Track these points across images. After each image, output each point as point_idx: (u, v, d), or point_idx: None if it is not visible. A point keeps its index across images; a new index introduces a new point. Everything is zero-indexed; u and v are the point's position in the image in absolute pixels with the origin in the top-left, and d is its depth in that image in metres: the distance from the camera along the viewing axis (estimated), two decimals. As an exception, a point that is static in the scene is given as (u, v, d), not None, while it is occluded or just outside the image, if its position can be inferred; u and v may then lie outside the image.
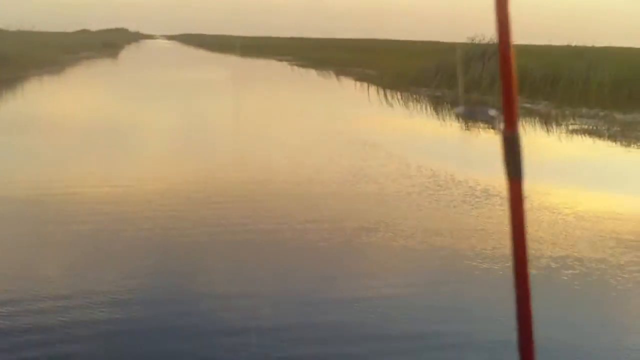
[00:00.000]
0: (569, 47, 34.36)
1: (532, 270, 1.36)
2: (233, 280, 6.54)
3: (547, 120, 19.60)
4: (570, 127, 18.46)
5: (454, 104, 24.12)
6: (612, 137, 16.74)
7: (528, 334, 1.48)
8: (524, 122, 19.30)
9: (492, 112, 1.49)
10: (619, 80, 23.98)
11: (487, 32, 30.95)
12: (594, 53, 29.28)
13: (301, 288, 6.45)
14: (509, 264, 1.40)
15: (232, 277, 6.64)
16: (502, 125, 1.45)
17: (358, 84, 32.40)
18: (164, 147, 14.77)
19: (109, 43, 77.57)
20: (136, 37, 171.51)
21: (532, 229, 8.12)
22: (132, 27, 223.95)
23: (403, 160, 12.67)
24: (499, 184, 10.80)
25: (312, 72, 43.11)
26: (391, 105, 23.93)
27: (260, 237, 7.97)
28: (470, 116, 1.72)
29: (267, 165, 12.20)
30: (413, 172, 11.60)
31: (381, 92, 27.93)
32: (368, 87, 29.99)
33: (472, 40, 30.48)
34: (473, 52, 28.73)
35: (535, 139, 16.52)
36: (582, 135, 17.17)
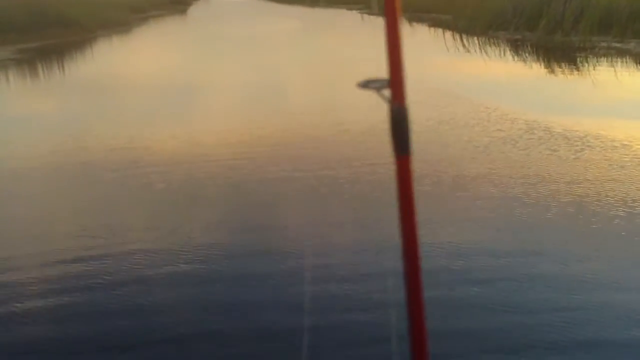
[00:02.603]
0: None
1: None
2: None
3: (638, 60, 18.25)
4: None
5: (534, 47, 22.86)
6: None
7: (419, 311, 1.40)
8: (615, 63, 18.06)
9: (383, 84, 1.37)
10: None
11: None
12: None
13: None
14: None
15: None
16: (389, 98, 1.34)
17: (432, 29, 31.13)
18: (241, 100, 14.22)
19: (177, 0, 77.33)
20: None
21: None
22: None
23: (487, 106, 11.79)
24: (597, 129, 9.93)
25: (383, 20, 41.83)
26: (468, 51, 22.75)
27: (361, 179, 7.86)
28: (366, 86, 1.39)
29: (344, 114, 11.50)
30: (499, 119, 10.75)
31: (457, 37, 26.70)
32: (443, 32, 28.72)
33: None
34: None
35: (631, 80, 15.34)
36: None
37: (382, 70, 1.40)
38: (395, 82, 1.37)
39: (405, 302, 1.44)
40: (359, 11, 52.64)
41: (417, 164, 1.40)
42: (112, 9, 43.11)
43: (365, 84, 1.43)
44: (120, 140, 10.52)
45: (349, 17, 47.68)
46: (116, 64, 22.90)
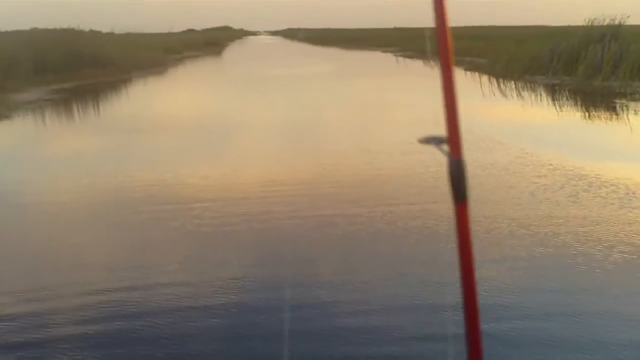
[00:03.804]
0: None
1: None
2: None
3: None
4: None
5: (573, 91, 22.42)
6: None
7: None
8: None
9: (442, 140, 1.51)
10: None
11: (606, 13, 29.05)
12: None
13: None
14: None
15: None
16: (447, 150, 1.48)
17: (468, 73, 30.83)
18: (278, 143, 13.93)
19: (212, 41, 78.19)
20: (240, 34, 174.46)
21: None
22: (236, 25, 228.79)
23: (532, 154, 11.36)
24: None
25: (418, 63, 41.70)
26: (505, 96, 22.38)
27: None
28: (427, 142, 1.53)
29: (376, 160, 11.12)
30: (547, 169, 10.31)
31: (493, 81, 26.37)
32: (479, 77, 28.42)
33: (591, 22, 28.52)
34: (591, 35, 26.85)
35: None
36: None
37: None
38: (452, 137, 1.47)
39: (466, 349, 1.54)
40: (393, 54, 52.64)
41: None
42: (148, 49, 43.52)
43: (426, 140, 1.53)
44: (164, 179, 10.45)
45: (385, 60, 47.66)
46: (149, 105, 22.83)
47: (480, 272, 5.91)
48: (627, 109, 17.92)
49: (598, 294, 5.71)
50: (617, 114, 17.39)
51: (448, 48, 1.42)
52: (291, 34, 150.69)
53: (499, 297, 5.58)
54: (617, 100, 19.47)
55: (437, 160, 11.21)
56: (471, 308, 1.52)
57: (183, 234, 7.70)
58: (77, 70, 30.63)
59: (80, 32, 39.66)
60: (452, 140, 1.47)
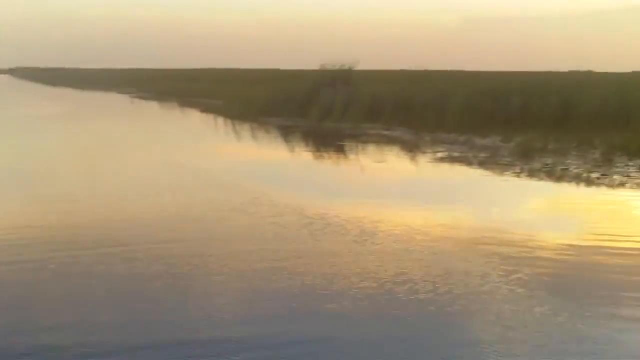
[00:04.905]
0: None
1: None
2: None
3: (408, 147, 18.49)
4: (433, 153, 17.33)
5: (305, 132, 22.75)
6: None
7: None
8: (381, 148, 18.24)
9: None
10: (472, 103, 22.94)
11: (338, 58, 29.87)
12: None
13: None
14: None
15: None
16: None
17: (203, 115, 30.48)
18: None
19: None
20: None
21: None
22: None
23: (258, 192, 10.99)
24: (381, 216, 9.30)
25: (154, 105, 40.83)
26: (237, 137, 22.33)
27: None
28: None
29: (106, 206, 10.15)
30: (267, 205, 9.96)
31: (228, 122, 26.16)
32: (214, 118, 28.17)
33: (323, 66, 29.25)
34: (323, 79, 27.51)
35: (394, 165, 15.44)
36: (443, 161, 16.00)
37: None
38: None
39: None
40: (129, 95, 51.33)
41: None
42: None
43: None
44: None
45: (120, 101, 46.38)
46: None
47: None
48: (353, 148, 18.61)
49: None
50: (342, 154, 18.00)
51: None
52: (21, 73, 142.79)
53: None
54: (344, 141, 19.87)
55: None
56: None
57: None
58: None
59: None
60: None
